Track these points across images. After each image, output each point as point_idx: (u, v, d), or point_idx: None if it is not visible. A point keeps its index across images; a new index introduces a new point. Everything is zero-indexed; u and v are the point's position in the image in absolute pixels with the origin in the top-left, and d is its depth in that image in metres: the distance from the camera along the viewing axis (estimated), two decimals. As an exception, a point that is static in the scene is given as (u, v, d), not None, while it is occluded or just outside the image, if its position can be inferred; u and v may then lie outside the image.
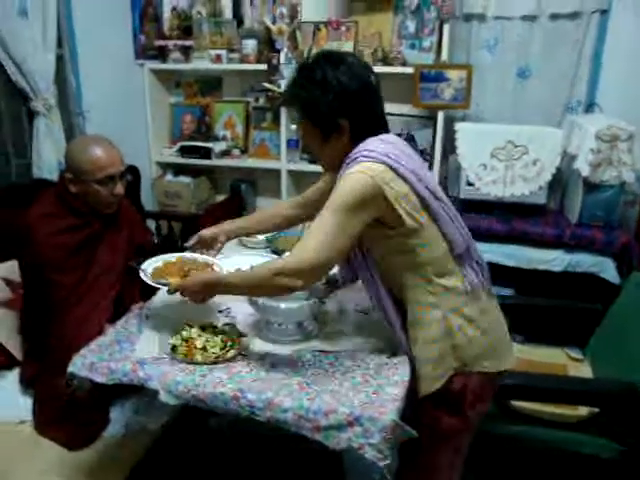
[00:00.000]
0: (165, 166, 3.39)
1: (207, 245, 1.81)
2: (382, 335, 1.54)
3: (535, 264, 2.61)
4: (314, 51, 2.90)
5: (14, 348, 2.07)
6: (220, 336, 1.46)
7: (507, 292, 2.63)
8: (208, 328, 1.51)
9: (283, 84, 2.88)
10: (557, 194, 2.84)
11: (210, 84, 3.36)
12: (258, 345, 1.50)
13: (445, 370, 1.41)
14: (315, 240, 1.28)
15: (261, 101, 3.23)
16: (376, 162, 1.29)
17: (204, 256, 1.78)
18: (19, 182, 2.42)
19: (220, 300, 1.64)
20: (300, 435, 1.26)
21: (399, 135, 2.96)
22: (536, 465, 2.07)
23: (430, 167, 2.92)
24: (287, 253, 1.60)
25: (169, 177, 3.33)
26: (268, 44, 3.02)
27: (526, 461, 2.06)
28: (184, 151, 3.22)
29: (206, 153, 3.17)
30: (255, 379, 1.35)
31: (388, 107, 3.01)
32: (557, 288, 2.59)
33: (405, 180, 1.30)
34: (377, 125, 1.40)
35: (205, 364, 1.39)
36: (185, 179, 3.29)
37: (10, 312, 2.12)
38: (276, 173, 3.16)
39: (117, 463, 1.66)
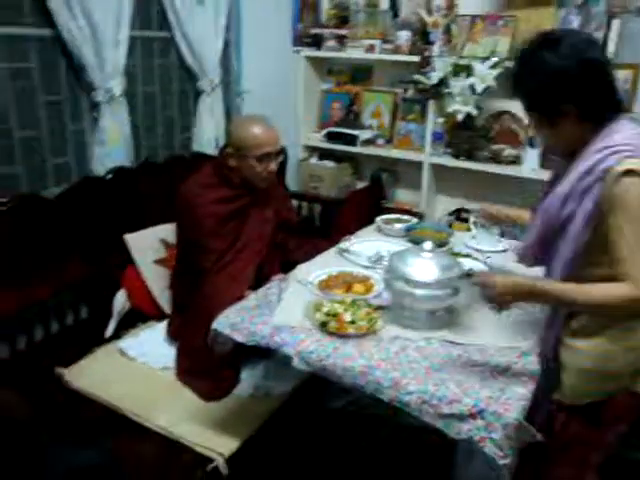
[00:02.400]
0: (311, 149, 3.53)
1: (489, 217, 1.88)
2: (512, 333, 1.53)
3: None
4: (468, 46, 2.87)
5: (165, 302, 2.31)
6: (363, 309, 1.53)
7: None
8: (346, 303, 1.58)
9: (434, 77, 2.87)
10: None
11: (361, 73, 3.44)
12: (389, 327, 1.55)
13: (598, 389, 1.36)
14: None
15: (410, 92, 3.25)
16: None
17: (363, 271, 1.87)
18: (181, 154, 2.65)
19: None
20: (416, 427, 1.28)
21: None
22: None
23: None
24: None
25: (314, 160, 3.47)
26: (422, 36, 3.03)
27: None
28: (330, 136, 3.32)
29: (351, 140, 3.25)
30: (384, 359, 1.40)
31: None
32: None
33: None
34: (609, 106, 1.28)
35: (357, 337, 1.46)
36: (329, 163, 3.41)
37: (164, 270, 2.35)
38: (418, 165, 3.17)
39: (244, 421, 1.79)
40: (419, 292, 1.50)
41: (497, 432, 1.21)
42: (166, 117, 2.63)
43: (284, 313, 1.60)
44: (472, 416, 1.23)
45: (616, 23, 2.57)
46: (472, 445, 1.23)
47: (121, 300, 2.24)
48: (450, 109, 2.88)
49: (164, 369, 2.01)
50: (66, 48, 2.07)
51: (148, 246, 2.35)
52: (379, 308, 1.61)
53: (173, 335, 2.13)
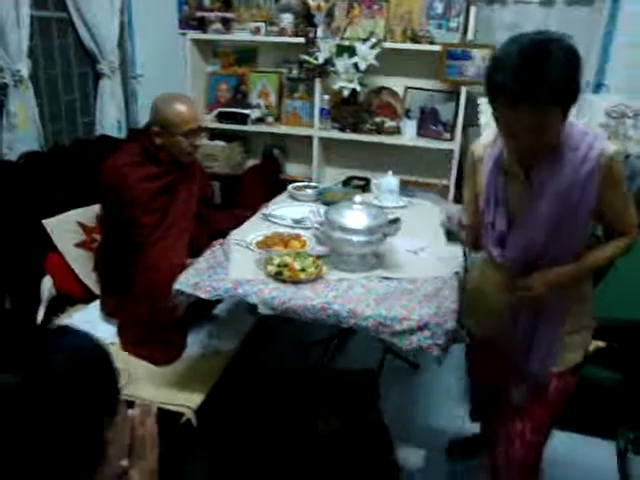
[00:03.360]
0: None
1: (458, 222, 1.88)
2: (431, 269, 1.84)
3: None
4: (349, 28, 3.15)
5: (92, 284, 2.34)
6: (309, 258, 1.74)
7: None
8: (292, 255, 1.78)
9: (320, 57, 3.11)
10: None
11: (246, 55, 3.59)
12: (332, 272, 1.78)
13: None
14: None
15: (294, 72, 3.47)
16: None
17: (291, 231, 2.07)
18: (86, 137, 2.65)
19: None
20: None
21: (423, 108, 3.27)
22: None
23: (452, 138, 3.19)
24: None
25: (205, 140, 3.56)
26: (304, 19, 3.25)
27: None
28: (222, 117, 3.45)
29: (243, 119, 3.41)
30: (337, 296, 1.63)
31: (415, 82, 3.29)
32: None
33: None
34: None
35: (308, 281, 1.67)
36: (220, 143, 3.53)
37: (85, 252, 2.38)
38: (307, 140, 3.41)
39: (201, 377, 1.93)
40: (356, 238, 1.75)
41: (441, 338, 1.50)
42: (68, 101, 2.61)
43: (238, 269, 1.76)
44: (419, 329, 1.51)
45: (473, 10, 2.99)
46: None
47: (48, 285, 2.24)
48: (336, 86, 3.15)
49: (110, 345, 2.07)
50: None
51: (67, 230, 2.35)
52: (319, 257, 1.83)
53: (109, 313, 2.18)
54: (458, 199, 3.20)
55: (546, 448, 1.70)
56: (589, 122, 2.83)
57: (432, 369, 2.76)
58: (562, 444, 2.29)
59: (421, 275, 1.79)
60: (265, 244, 1.95)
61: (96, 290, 2.32)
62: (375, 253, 1.87)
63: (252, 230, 2.10)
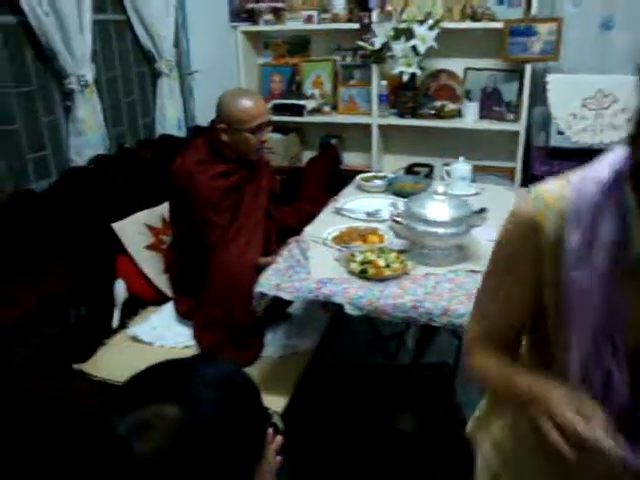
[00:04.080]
0: (258, 124, 3.57)
1: None
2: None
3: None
4: (405, 10, 3.04)
5: (164, 286, 2.33)
6: (391, 254, 1.68)
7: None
8: (375, 251, 1.72)
9: (377, 42, 3.02)
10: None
11: (298, 44, 3.52)
12: (417, 267, 1.71)
13: None
14: None
15: (349, 59, 3.39)
16: None
17: (366, 225, 2.02)
18: (150, 138, 2.64)
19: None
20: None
21: (484, 89, 3.14)
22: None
23: (517, 119, 3.06)
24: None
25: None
26: (358, 3, 3.16)
27: None
28: (277, 109, 3.40)
29: (298, 110, 3.35)
30: (427, 293, 1.56)
31: (475, 62, 3.17)
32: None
33: None
34: None
35: (394, 278, 1.60)
36: (276, 135, 3.47)
37: (154, 254, 2.37)
38: (365, 128, 3.33)
39: (281, 380, 1.89)
40: (441, 231, 1.67)
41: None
42: (128, 103, 2.60)
43: (318, 268, 1.71)
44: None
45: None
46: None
47: (121, 289, 2.24)
48: (395, 71, 3.05)
49: (186, 348, 2.06)
50: (33, 35, 2.01)
51: (136, 232, 2.35)
52: (401, 252, 1.76)
53: (184, 315, 2.17)
54: (524, 183, 3.08)
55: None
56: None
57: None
58: None
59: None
60: (342, 240, 1.89)
61: (168, 292, 2.31)
62: (458, 245, 1.79)
63: (325, 225, 2.04)
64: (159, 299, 2.32)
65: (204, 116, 2.96)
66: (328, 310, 2.13)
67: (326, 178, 3.14)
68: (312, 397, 2.00)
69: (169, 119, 2.71)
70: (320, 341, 2.10)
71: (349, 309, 1.55)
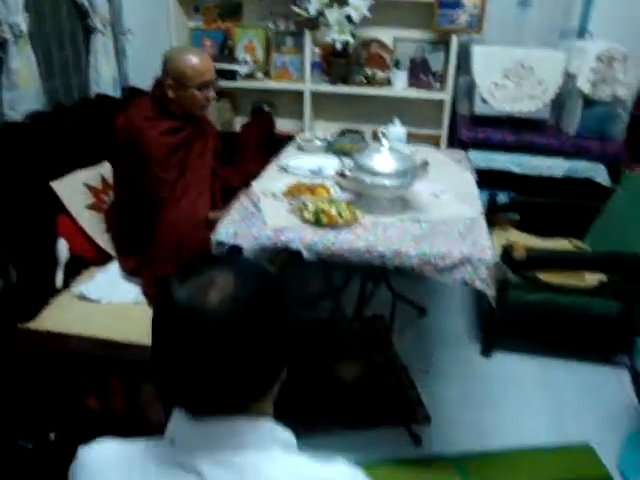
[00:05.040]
0: (188, 89, 3.54)
1: None
2: (457, 210, 1.90)
3: (539, 170, 3.00)
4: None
5: (107, 245, 2.31)
6: (342, 203, 1.77)
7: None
8: (325, 201, 1.81)
9: (312, 9, 3.07)
10: (556, 110, 3.21)
11: (229, 9, 3.50)
12: (365, 216, 1.82)
13: None
14: None
15: (281, 26, 3.42)
16: None
17: (312, 180, 2.10)
18: (86, 97, 2.58)
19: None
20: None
21: (413, 58, 3.28)
22: (556, 323, 2.53)
23: (443, 87, 3.23)
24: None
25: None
26: (292, -30, 3.19)
27: (548, 320, 2.52)
28: (209, 73, 3.37)
29: (231, 75, 3.35)
30: (377, 238, 1.67)
31: (404, 33, 3.30)
32: (558, 191, 3.00)
33: None
34: None
35: (346, 226, 1.70)
36: (208, 101, 3.47)
37: (96, 214, 2.34)
38: (297, 95, 3.39)
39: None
40: (388, 182, 1.79)
41: (483, 272, 1.57)
42: (61, 57, 2.51)
43: (273, 218, 1.78)
44: (462, 264, 1.58)
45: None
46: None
47: (63, 248, 2.20)
48: (329, 38, 3.13)
49: (135, 304, 2.07)
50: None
51: (75, 192, 2.30)
52: (348, 203, 1.87)
53: (130, 272, 2.17)
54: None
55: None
56: (580, 67, 2.91)
57: (440, 313, 2.87)
58: (573, 373, 2.45)
59: (449, 216, 1.85)
60: (291, 193, 1.97)
61: (111, 251, 2.29)
62: (401, 197, 1.91)
63: (272, 181, 2.11)
64: (102, 258, 2.30)
65: (137, 77, 2.92)
66: (275, 265, 2.21)
67: (261, 143, 3.19)
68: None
69: (104, 77, 2.64)
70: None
71: (307, 254, 1.64)
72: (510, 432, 2.17)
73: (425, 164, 1.85)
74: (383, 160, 1.81)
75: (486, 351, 2.55)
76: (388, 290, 2.73)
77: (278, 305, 0.81)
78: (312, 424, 2.09)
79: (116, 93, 2.71)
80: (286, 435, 0.83)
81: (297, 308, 2.68)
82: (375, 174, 1.79)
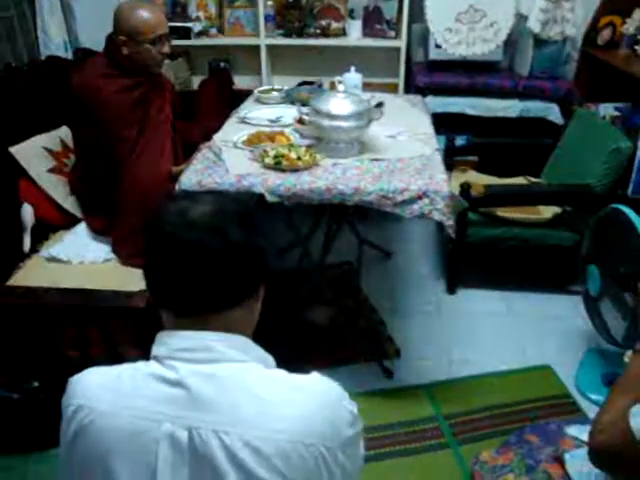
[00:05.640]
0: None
1: None
2: (413, 149, 1.96)
3: (494, 112, 3.08)
4: None
5: (72, 208, 2.32)
6: (301, 148, 1.82)
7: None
8: (286, 146, 1.85)
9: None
10: (509, 52, 3.27)
11: (178, -36, 3.44)
12: (325, 160, 1.87)
13: None
14: None
15: (232, -20, 3.38)
16: None
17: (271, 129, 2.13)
18: (36, 59, 2.54)
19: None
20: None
21: (366, 8, 3.29)
22: (515, 257, 2.65)
23: (398, 35, 3.25)
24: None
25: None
26: None
27: (507, 255, 2.63)
28: (163, 32, 3.33)
29: (185, 33, 3.31)
30: (337, 177, 1.73)
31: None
32: (514, 132, 3.09)
33: None
34: None
35: (306, 169, 1.75)
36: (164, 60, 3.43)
37: (59, 177, 2.34)
38: (253, 50, 3.38)
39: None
40: (345, 124, 1.83)
41: (439, 203, 1.64)
42: (5, 20, 2.46)
43: (235, 166, 1.82)
44: (419, 197, 1.65)
45: None
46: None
47: (28, 213, 2.20)
48: (281, -10, 3.11)
49: (106, 261, 2.10)
50: None
51: (35, 156, 2.29)
52: (308, 147, 1.91)
53: (99, 232, 2.19)
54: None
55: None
56: (530, 8, 2.96)
57: (405, 256, 2.96)
58: (534, 303, 2.58)
59: (406, 155, 1.91)
60: (252, 142, 2.00)
61: (77, 213, 2.30)
62: (360, 140, 1.96)
63: (233, 132, 2.13)
64: (69, 221, 2.31)
65: (89, 40, 2.88)
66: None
67: (220, 100, 3.18)
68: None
69: (53, 39, 2.61)
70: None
71: (269, 197, 1.69)
72: (476, 361, 2.28)
73: (380, 104, 1.89)
74: (339, 104, 1.85)
75: (450, 288, 2.65)
76: (355, 237, 2.80)
77: (252, 224, 0.90)
78: (288, 366, 2.17)
79: (67, 55, 2.67)
80: (263, 353, 0.91)
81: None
82: (332, 117, 1.83)
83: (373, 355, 2.24)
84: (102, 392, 0.85)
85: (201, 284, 0.84)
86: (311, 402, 0.84)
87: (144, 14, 2.02)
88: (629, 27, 2.92)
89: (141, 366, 0.86)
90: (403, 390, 2.14)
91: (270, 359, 0.92)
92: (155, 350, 0.87)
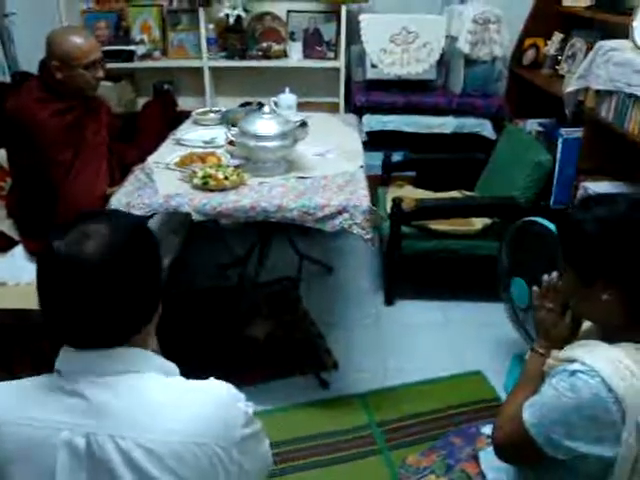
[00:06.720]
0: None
1: None
2: (338, 166, 2.05)
3: (430, 129, 3.21)
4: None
5: (9, 230, 2.33)
6: (229, 169, 1.89)
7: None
8: (214, 167, 1.92)
9: (202, -15, 3.13)
10: (443, 71, 3.41)
11: (121, -11, 3.50)
12: (252, 179, 1.94)
13: None
14: None
15: (175, 4, 3.45)
16: None
17: (204, 150, 2.19)
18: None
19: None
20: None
21: (306, 30, 3.40)
22: (448, 268, 2.75)
23: (337, 56, 3.37)
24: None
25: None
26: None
27: (442, 266, 2.74)
28: (106, 55, 3.32)
29: (128, 56, 3.36)
30: (262, 196, 1.80)
31: (296, 5, 3.41)
32: (449, 147, 3.22)
33: None
34: None
35: (233, 188, 1.82)
36: (107, 84, 3.45)
37: (-6, 200, 2.36)
38: (196, 72, 3.45)
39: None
40: (270, 144, 1.91)
41: (358, 218, 1.73)
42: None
43: (165, 187, 1.88)
44: (339, 213, 1.74)
45: None
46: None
47: (-36, 237, 2.21)
48: (221, 14, 3.20)
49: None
50: None
51: (-30, 180, 2.31)
52: (237, 167, 1.98)
53: (35, 253, 2.20)
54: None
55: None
56: (459, 30, 3.11)
57: (345, 270, 3.04)
58: (468, 311, 2.68)
59: (331, 172, 2.00)
60: (183, 163, 2.06)
61: (15, 236, 2.32)
62: (287, 159, 2.04)
63: (167, 154, 2.19)
64: (5, 244, 2.31)
65: (29, 63, 2.89)
66: (179, 235, 2.31)
67: (163, 123, 3.23)
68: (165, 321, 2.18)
69: (-8, 64, 2.63)
70: (170, 266, 2.27)
71: (196, 216, 1.75)
72: (412, 370, 2.36)
73: (304, 124, 1.98)
74: (265, 124, 1.93)
75: (388, 300, 2.74)
76: (295, 253, 2.87)
77: (148, 251, 0.93)
78: (227, 380, 2.21)
79: (5, 78, 2.69)
80: (167, 364, 0.96)
81: (206, 278, 2.79)
82: (258, 138, 1.91)
83: (310, 367, 2.30)
84: (4, 402, 0.89)
85: (103, 313, 0.86)
86: (205, 403, 0.89)
87: (77, 40, 2.06)
88: (550, 49, 3.09)
89: (43, 379, 0.91)
90: (339, 400, 2.20)
91: (172, 368, 0.96)
92: (57, 364, 0.92)
